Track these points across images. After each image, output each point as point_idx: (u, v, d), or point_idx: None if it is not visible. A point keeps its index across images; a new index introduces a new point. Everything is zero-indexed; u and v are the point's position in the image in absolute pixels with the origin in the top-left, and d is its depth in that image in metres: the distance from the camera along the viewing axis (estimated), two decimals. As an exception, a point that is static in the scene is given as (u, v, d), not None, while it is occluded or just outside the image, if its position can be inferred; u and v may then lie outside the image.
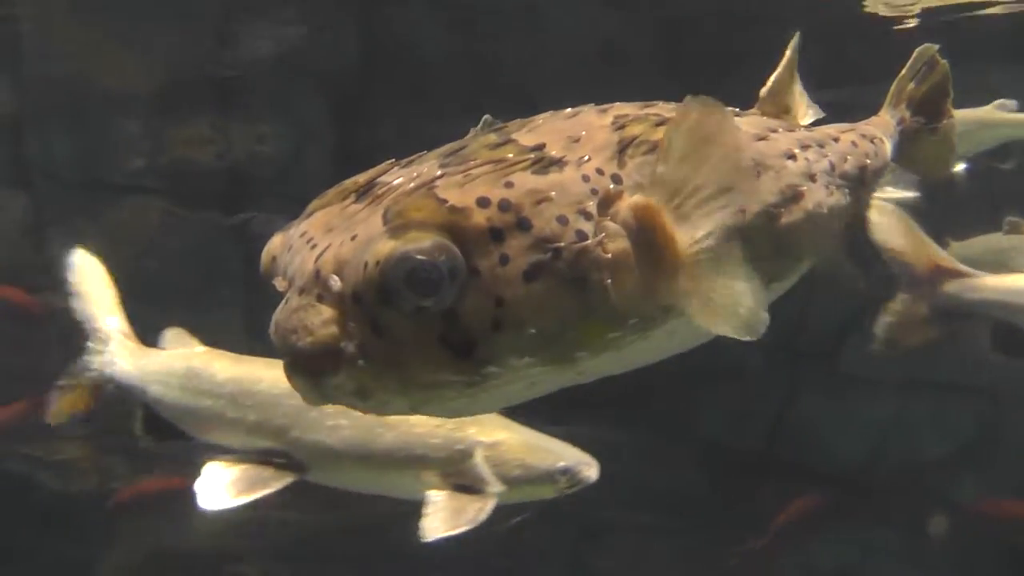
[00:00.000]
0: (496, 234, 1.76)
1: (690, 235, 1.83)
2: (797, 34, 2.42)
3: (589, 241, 1.79)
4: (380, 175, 1.88)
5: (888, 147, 2.53)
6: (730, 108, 2.14)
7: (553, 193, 1.80)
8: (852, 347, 6.43)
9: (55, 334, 6.32)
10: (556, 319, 1.77)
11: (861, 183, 2.41)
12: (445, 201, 1.76)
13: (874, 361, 5.72)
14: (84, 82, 6.38)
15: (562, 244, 1.77)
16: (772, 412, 6.71)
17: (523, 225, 1.77)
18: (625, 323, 1.83)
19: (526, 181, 1.81)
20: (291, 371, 1.78)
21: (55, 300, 6.25)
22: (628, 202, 1.84)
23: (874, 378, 6.44)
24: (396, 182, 1.84)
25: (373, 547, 6.03)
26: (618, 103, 2.08)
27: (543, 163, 1.84)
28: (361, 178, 1.87)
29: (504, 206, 1.78)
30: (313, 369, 1.76)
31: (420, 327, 1.73)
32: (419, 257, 1.70)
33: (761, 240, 2.01)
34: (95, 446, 6.13)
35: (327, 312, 1.75)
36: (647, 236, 1.82)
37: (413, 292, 1.71)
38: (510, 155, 1.84)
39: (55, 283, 6.13)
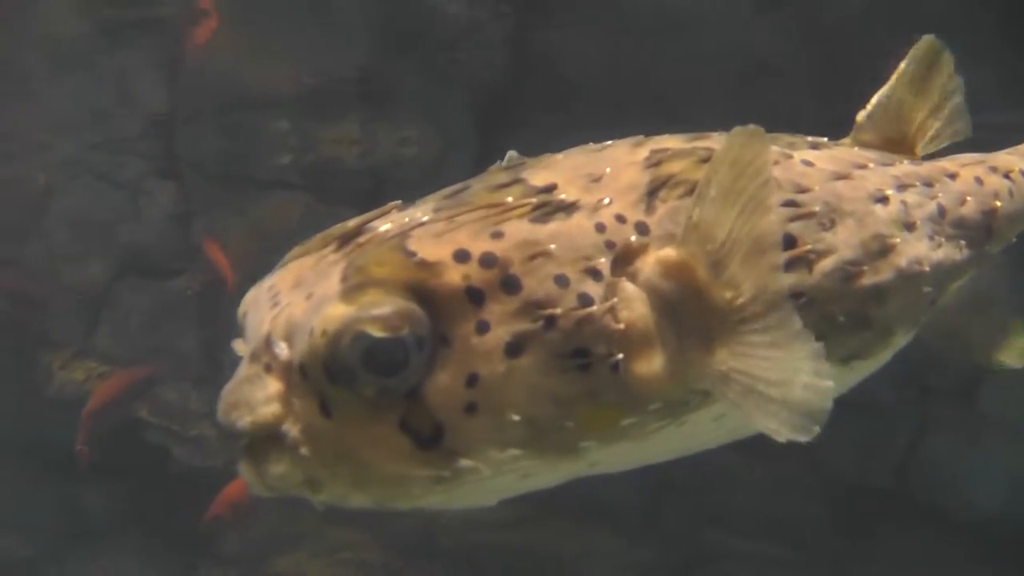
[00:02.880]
0: (474, 295, 1.46)
1: (732, 298, 1.50)
2: (928, 39, 2.00)
3: (594, 308, 1.48)
4: (372, 219, 1.61)
5: None
6: (811, 138, 1.86)
7: (553, 246, 1.50)
8: (991, 385, 6.21)
9: (194, 316, 6.62)
10: (548, 403, 1.46)
11: (986, 232, 1.93)
12: (414, 254, 1.47)
13: (1016, 400, 5.52)
14: (237, 82, 6.60)
15: (558, 310, 1.47)
16: (901, 450, 6.51)
17: (509, 285, 1.47)
18: (644, 408, 1.52)
19: (520, 231, 1.51)
20: (238, 455, 1.50)
21: (192, 284, 6.58)
22: (654, 257, 1.53)
23: (1015, 419, 6.20)
24: (382, 229, 1.55)
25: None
26: (665, 135, 1.77)
27: (547, 208, 1.54)
28: (352, 222, 1.61)
29: (487, 261, 1.48)
30: (254, 455, 1.48)
31: (376, 409, 1.44)
32: (372, 333, 1.41)
33: (833, 306, 1.65)
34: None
35: (272, 386, 1.47)
36: (676, 300, 1.50)
37: (370, 372, 1.43)
38: (510, 198, 1.56)
39: (196, 268, 6.41)
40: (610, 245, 1.53)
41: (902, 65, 2.00)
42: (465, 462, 1.46)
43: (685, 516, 6.02)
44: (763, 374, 1.48)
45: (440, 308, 1.45)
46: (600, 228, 1.54)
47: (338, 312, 1.44)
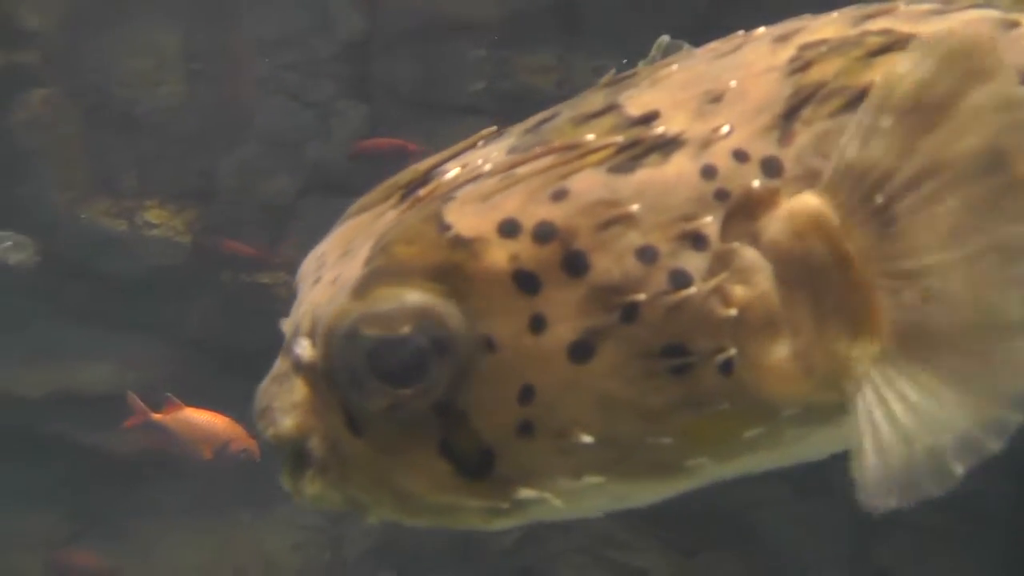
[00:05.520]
0: (526, 281, 1.14)
1: (911, 266, 1.08)
2: None
3: (693, 289, 1.12)
4: (448, 159, 1.32)
5: None
6: None
7: (636, 207, 1.14)
8: None
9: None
10: (632, 419, 1.14)
11: None
12: (448, 228, 1.16)
13: None
14: (435, 8, 6.66)
15: (641, 296, 1.12)
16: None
17: (574, 265, 1.13)
18: (773, 416, 1.17)
19: (591, 187, 1.15)
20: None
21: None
22: (787, 208, 1.13)
23: None
24: (448, 177, 1.26)
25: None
26: (827, 16, 1.30)
27: (636, 149, 1.17)
28: (425, 164, 1.33)
29: (542, 234, 1.14)
30: (290, 468, 1.25)
31: (410, 428, 1.17)
32: (371, 333, 1.14)
33: None
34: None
35: (298, 391, 1.23)
36: (815, 269, 1.11)
37: (379, 380, 1.16)
38: (592, 135, 1.20)
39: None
40: (722, 196, 1.15)
41: None
42: (527, 493, 1.17)
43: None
44: (915, 407, 1.08)
45: (480, 300, 1.14)
46: (708, 173, 1.16)
47: (343, 308, 1.18)
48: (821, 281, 1.12)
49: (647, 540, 6.23)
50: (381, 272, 1.17)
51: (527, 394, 1.13)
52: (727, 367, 1.14)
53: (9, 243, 6.73)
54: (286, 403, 1.22)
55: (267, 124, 7.19)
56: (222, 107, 7.31)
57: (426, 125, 6.62)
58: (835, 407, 1.18)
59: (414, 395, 1.15)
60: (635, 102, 1.24)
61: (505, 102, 6.46)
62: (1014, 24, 1.24)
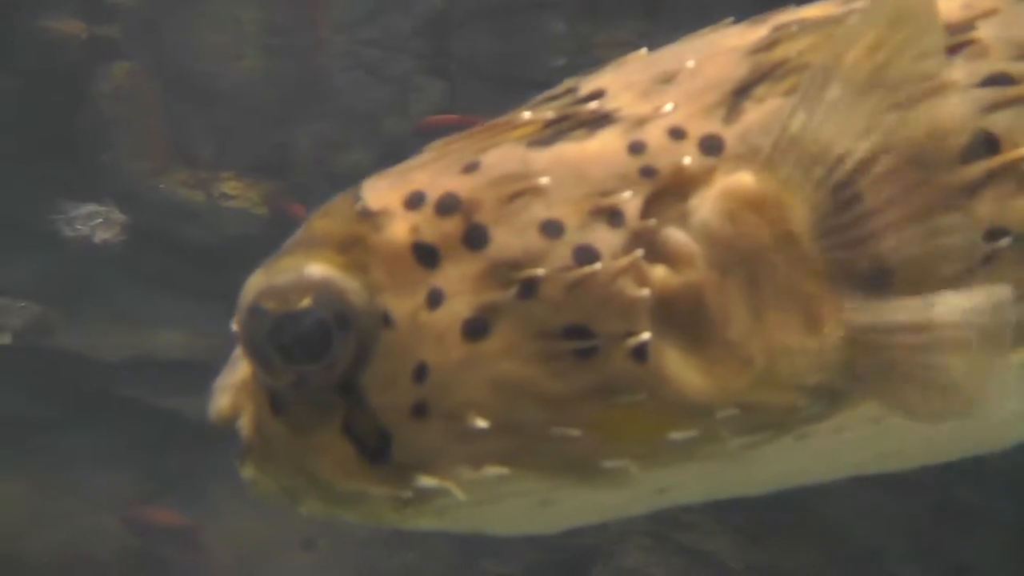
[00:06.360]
0: (425, 255, 1.13)
1: (863, 252, 0.97)
2: None
3: (598, 266, 1.05)
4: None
5: None
6: None
7: (545, 179, 1.11)
8: None
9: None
10: (531, 404, 1.05)
11: None
12: (359, 200, 1.17)
13: None
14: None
15: (538, 271, 1.07)
16: None
17: (475, 238, 1.12)
18: (704, 416, 1.04)
19: (504, 160, 1.16)
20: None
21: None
22: (720, 187, 1.06)
23: None
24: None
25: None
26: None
27: (562, 125, 1.16)
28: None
29: (445, 206, 1.14)
30: (239, 454, 1.23)
31: (318, 408, 1.14)
32: (270, 306, 1.10)
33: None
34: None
35: (243, 370, 1.22)
36: (750, 252, 1.02)
37: (280, 356, 1.12)
38: (528, 114, 1.21)
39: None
40: (648, 172, 1.09)
41: None
42: (427, 481, 1.11)
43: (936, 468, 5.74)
44: (911, 355, 0.97)
45: (381, 273, 1.11)
46: (636, 149, 1.11)
47: (251, 282, 1.17)
48: (759, 266, 1.02)
49: (715, 523, 6.18)
50: (293, 244, 1.15)
51: (421, 373, 1.08)
52: (641, 353, 1.04)
53: (100, 220, 6.83)
54: (228, 382, 1.22)
55: (344, 99, 7.24)
56: (300, 81, 7.37)
57: (505, 101, 6.60)
58: (789, 413, 1.04)
59: (317, 372, 1.12)
60: (590, 83, 1.23)
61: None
62: None
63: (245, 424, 1.19)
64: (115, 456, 6.56)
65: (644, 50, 1.33)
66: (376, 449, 1.11)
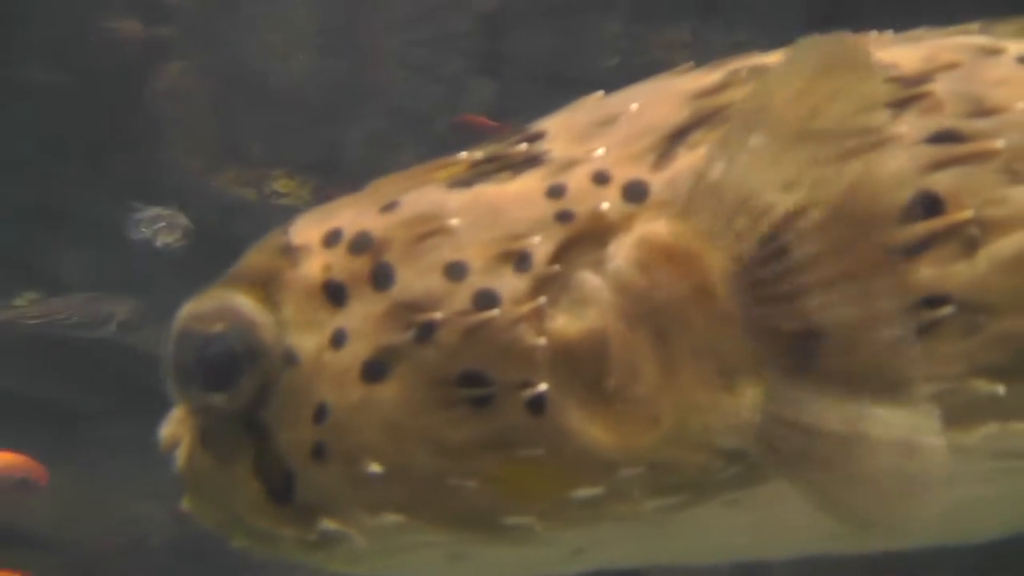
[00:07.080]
0: (334, 293, 1.12)
1: (785, 311, 0.93)
2: None
3: (495, 312, 1.03)
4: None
5: None
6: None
7: (456, 221, 1.09)
8: None
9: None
10: (424, 452, 1.03)
11: None
12: (285, 235, 1.18)
13: None
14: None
15: (436, 315, 1.05)
16: None
17: (381, 278, 1.09)
18: (608, 474, 0.99)
19: (422, 200, 1.16)
20: None
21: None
22: (635, 235, 1.03)
23: None
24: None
25: None
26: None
27: (490, 165, 1.15)
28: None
29: (359, 244, 1.14)
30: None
31: (233, 444, 1.14)
32: (194, 330, 1.14)
33: (1008, 321, 0.98)
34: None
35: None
36: (662, 304, 0.98)
37: (197, 381, 1.15)
38: (460, 155, 1.23)
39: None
40: (564, 217, 1.07)
41: None
42: (329, 524, 1.09)
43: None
44: (839, 428, 0.89)
45: (291, 310, 1.11)
46: (555, 192, 1.09)
47: (184, 306, 1.21)
48: (671, 319, 0.99)
49: None
50: (226, 276, 1.19)
51: (322, 413, 1.07)
52: (538, 405, 1.01)
53: (163, 224, 6.86)
54: (175, 412, 1.22)
55: (396, 98, 7.26)
56: (352, 80, 7.41)
57: (557, 101, 6.60)
58: (701, 474, 0.99)
59: (223, 401, 1.12)
60: (539, 124, 1.23)
61: (639, 78, 6.39)
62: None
63: (180, 455, 1.21)
64: (164, 448, 6.59)
65: (600, 92, 1.31)
66: (282, 489, 1.11)
